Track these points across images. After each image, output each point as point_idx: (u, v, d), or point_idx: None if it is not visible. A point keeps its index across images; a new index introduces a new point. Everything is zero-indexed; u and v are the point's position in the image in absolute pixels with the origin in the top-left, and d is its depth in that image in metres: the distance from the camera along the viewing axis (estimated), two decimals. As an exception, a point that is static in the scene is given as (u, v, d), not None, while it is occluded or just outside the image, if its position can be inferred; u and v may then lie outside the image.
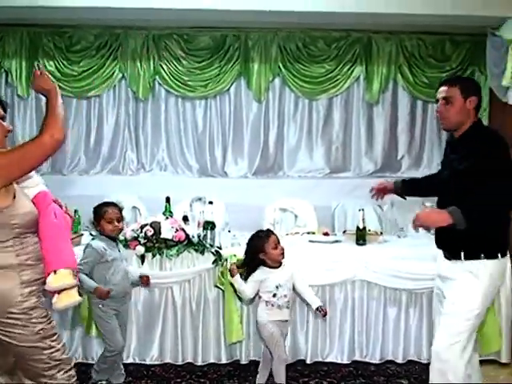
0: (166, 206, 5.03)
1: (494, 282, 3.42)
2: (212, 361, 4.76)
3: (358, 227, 5.11)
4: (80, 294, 2.97)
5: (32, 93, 7.02)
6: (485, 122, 6.97)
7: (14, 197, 2.70)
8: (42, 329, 2.76)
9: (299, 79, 7.11)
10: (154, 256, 4.62)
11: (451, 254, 3.46)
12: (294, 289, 4.21)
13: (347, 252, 4.91)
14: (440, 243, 3.59)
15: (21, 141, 7.04)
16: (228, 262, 4.56)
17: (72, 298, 2.85)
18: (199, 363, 4.74)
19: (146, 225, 4.71)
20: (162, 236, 4.64)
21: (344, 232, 5.46)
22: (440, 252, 3.60)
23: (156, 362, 4.76)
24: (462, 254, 3.38)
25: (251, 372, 4.59)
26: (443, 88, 3.44)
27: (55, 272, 2.75)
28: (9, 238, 2.68)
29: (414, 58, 7.12)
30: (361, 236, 5.08)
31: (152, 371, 4.66)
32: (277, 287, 4.09)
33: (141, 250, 4.57)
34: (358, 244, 5.07)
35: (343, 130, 7.33)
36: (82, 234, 5.01)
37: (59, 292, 2.81)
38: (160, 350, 4.77)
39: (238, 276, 4.16)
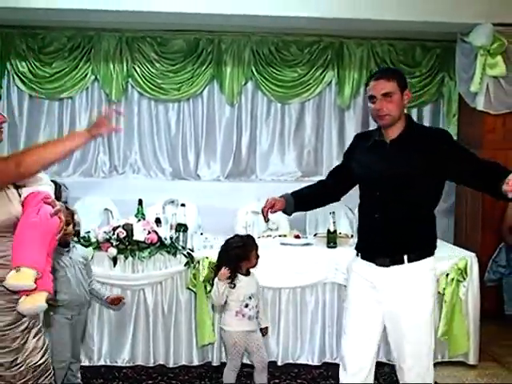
0: (138, 209, 5.03)
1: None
2: (183, 363, 4.79)
3: (328, 230, 5.16)
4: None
5: (3, 94, 6.97)
6: (454, 127, 7.10)
7: None
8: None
9: (272, 83, 7.15)
10: (126, 258, 4.63)
11: (392, 260, 3.20)
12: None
13: (318, 255, 4.96)
14: (377, 249, 3.26)
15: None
16: (201, 264, 4.60)
17: (36, 302, 2.56)
18: (171, 365, 4.76)
19: (118, 227, 4.71)
20: (134, 238, 4.65)
21: (315, 235, 5.51)
22: (362, 261, 3.33)
23: (127, 364, 4.77)
24: (406, 257, 3.18)
25: (222, 374, 4.62)
26: (380, 83, 3.19)
27: (17, 270, 2.50)
28: None
29: (385, 63, 7.18)
30: (331, 239, 5.13)
31: (124, 373, 4.68)
32: (250, 297, 4.11)
33: (113, 251, 4.58)
34: (328, 247, 5.11)
35: (315, 134, 7.38)
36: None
37: (27, 294, 2.57)
38: (131, 352, 4.79)
39: (223, 281, 4.10)
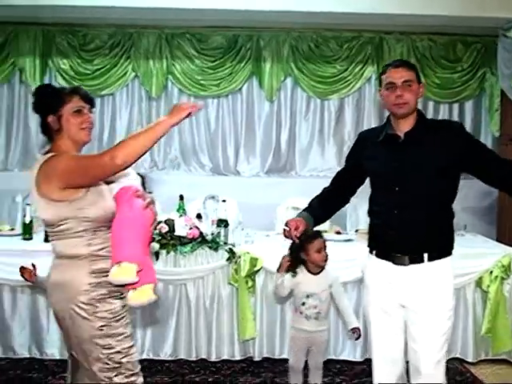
0: (179, 204, 5.06)
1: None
2: (225, 357, 4.80)
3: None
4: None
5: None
6: (496, 122, 7.02)
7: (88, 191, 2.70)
8: (104, 325, 2.68)
9: (311, 79, 7.15)
10: (168, 253, 4.66)
11: (411, 259, 3.12)
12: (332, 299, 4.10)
13: (360, 251, 4.92)
14: (396, 247, 3.16)
15: (34, 140, 7.13)
16: (242, 259, 4.62)
17: (144, 295, 2.66)
18: (213, 359, 4.78)
19: (160, 222, 4.74)
20: (176, 233, 4.68)
21: (356, 231, 5.49)
22: (378, 259, 3.25)
23: (170, 358, 4.80)
24: (426, 256, 3.10)
25: (264, 368, 4.65)
26: (401, 70, 3.11)
27: (119, 264, 2.60)
28: (79, 229, 2.69)
29: (425, 58, 7.14)
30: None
31: (166, 367, 4.71)
32: (307, 296, 3.96)
33: (155, 246, 4.61)
34: (370, 243, 5.08)
35: (355, 130, 7.34)
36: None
37: (134, 288, 2.66)
38: (174, 346, 4.81)
39: (282, 274, 4.00)
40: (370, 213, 3.39)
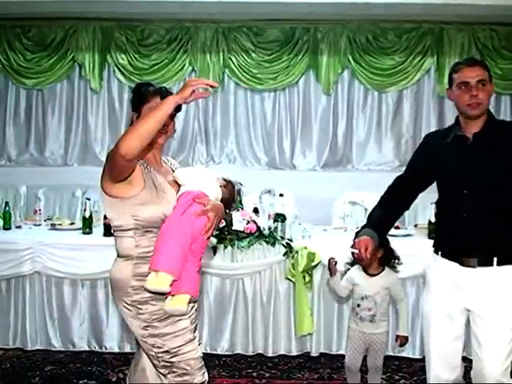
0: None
1: None
2: (282, 352, 4.78)
3: (429, 221, 5.04)
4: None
5: (105, 86, 7.17)
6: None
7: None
8: (148, 326, 2.71)
9: (368, 71, 7.07)
10: (225, 247, 4.66)
11: (480, 261, 3.02)
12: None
13: (419, 246, 4.85)
14: (464, 249, 3.06)
15: (93, 135, 7.23)
16: (299, 254, 4.59)
17: (176, 305, 2.66)
18: (269, 354, 4.76)
19: (217, 216, 4.73)
20: (233, 228, 4.68)
21: (415, 226, 5.40)
22: (444, 260, 3.15)
23: (227, 353, 4.80)
24: (495, 259, 3.00)
25: (321, 364, 4.63)
26: (476, 69, 3.01)
27: (156, 273, 2.57)
28: (130, 227, 2.71)
29: (486, 49, 6.99)
30: (433, 230, 5.00)
31: (223, 361, 4.72)
32: (362, 298, 3.90)
33: (213, 241, 4.61)
34: (429, 238, 4.99)
35: (413, 123, 7.25)
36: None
37: (172, 294, 2.65)
38: (231, 341, 4.81)
39: (337, 276, 4.00)
40: (438, 215, 3.30)
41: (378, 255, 3.81)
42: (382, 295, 3.90)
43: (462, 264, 3.05)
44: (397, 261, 4.00)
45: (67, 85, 7.28)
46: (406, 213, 6.31)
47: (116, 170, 2.62)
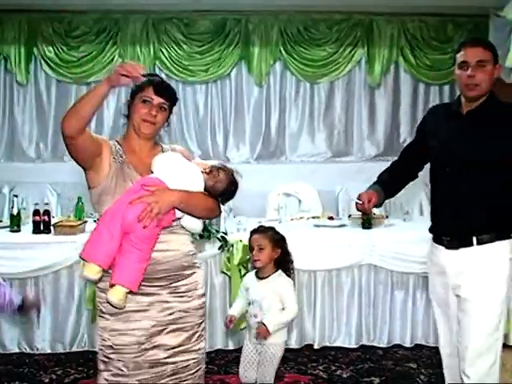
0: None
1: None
2: (219, 347, 4.75)
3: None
4: None
5: (31, 79, 6.96)
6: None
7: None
8: (102, 316, 2.72)
9: (300, 63, 7.06)
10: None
11: (460, 242, 3.02)
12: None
13: (353, 236, 4.89)
14: (446, 230, 3.08)
15: (20, 130, 7.02)
16: (234, 247, 4.55)
17: (113, 296, 2.55)
18: (207, 349, 4.70)
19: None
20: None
21: (349, 216, 5.43)
22: (434, 244, 3.17)
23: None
24: (474, 239, 2.98)
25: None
26: (477, 50, 2.96)
27: (84, 261, 2.57)
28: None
29: (415, 40, 7.07)
30: (366, 220, 5.05)
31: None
32: (249, 303, 3.60)
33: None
34: (363, 228, 5.04)
35: (345, 114, 7.27)
36: (86, 221, 4.98)
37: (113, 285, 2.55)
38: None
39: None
40: (430, 193, 3.29)
41: (274, 256, 3.55)
42: (270, 300, 3.50)
43: (446, 246, 3.07)
44: (291, 264, 3.64)
45: (-8, 78, 7.03)
46: (340, 203, 6.46)
47: (68, 151, 2.62)
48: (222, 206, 2.91)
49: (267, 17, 6.96)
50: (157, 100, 2.73)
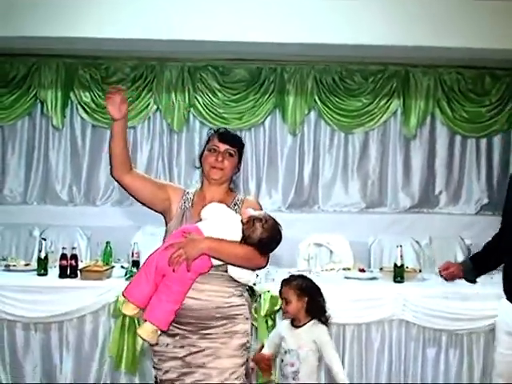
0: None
1: None
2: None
3: (395, 264, 4.96)
4: None
5: (67, 124, 7.03)
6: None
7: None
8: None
9: (335, 112, 7.05)
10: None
11: None
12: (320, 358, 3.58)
13: (385, 289, 4.77)
14: None
15: (54, 173, 7.08)
16: (262, 297, 4.46)
17: (142, 332, 2.72)
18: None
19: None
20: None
21: (381, 269, 5.30)
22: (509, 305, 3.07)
23: None
24: None
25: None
26: None
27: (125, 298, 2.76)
28: None
29: (452, 92, 7.03)
30: (399, 273, 4.92)
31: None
32: (285, 352, 3.57)
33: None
34: (395, 281, 4.91)
35: (379, 165, 7.21)
36: (114, 267, 4.95)
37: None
38: None
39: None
40: (504, 253, 3.16)
41: (301, 306, 3.57)
42: (307, 350, 3.52)
43: None
44: (324, 311, 3.63)
45: (28, 122, 7.11)
46: (372, 255, 6.34)
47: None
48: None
49: (303, 66, 6.99)
50: (222, 147, 2.96)
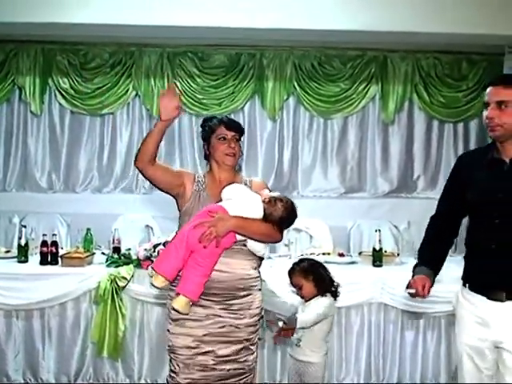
0: (179, 226, 4.94)
1: None
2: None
3: (374, 248, 5.03)
4: None
5: (45, 110, 6.99)
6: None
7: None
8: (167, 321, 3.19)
9: (314, 98, 7.06)
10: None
11: (509, 295, 2.85)
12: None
13: (364, 274, 4.83)
14: (493, 282, 2.89)
15: (33, 159, 7.05)
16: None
17: (177, 304, 2.97)
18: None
19: (158, 244, 4.64)
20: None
21: (360, 253, 5.37)
22: (470, 292, 2.99)
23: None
24: None
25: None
26: (496, 89, 2.86)
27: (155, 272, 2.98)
28: None
29: (430, 77, 7.07)
30: (377, 257, 4.99)
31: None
32: None
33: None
34: (374, 265, 4.98)
35: (358, 150, 7.25)
36: (94, 253, 4.96)
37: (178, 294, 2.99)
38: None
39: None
40: (467, 244, 3.07)
41: (311, 284, 3.89)
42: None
43: (489, 297, 2.89)
44: (330, 284, 3.96)
45: (6, 108, 7.04)
46: (352, 240, 6.40)
47: (151, 184, 3.29)
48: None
49: (281, 52, 6.99)
50: (230, 134, 3.26)
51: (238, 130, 3.33)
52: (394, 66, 7.06)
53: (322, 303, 3.85)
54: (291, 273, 3.97)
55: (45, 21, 5.63)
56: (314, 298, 3.88)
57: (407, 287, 3.07)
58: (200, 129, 3.42)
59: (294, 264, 4.03)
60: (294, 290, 4.00)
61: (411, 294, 3.07)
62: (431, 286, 3.06)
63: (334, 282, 3.97)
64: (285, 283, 4.10)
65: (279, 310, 4.16)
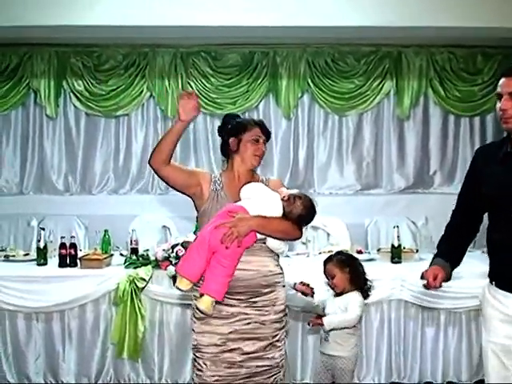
0: (196, 226, 4.95)
1: None
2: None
3: (392, 245, 5.00)
4: None
5: (60, 113, 7.01)
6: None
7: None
8: (192, 319, 3.22)
9: (328, 95, 7.03)
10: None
11: None
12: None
13: (382, 270, 4.80)
14: None
15: (50, 162, 7.08)
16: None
17: (201, 304, 3.01)
18: None
19: (176, 244, 4.65)
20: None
21: (378, 250, 5.34)
22: (497, 290, 2.92)
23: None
24: None
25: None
26: (509, 80, 2.77)
27: (179, 274, 3.03)
28: None
29: (445, 71, 7.02)
30: (396, 254, 4.97)
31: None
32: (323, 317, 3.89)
33: (172, 270, 4.49)
34: (393, 262, 4.96)
35: (374, 146, 7.22)
36: (113, 255, 4.97)
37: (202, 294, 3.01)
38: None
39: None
40: (489, 240, 3.01)
41: (346, 276, 3.87)
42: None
43: None
44: (364, 281, 3.93)
45: (22, 112, 7.09)
46: (370, 236, 6.37)
47: (166, 184, 3.29)
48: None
49: (295, 49, 6.97)
50: (263, 138, 3.33)
51: (270, 135, 3.42)
52: (408, 61, 7.02)
53: (357, 302, 3.83)
54: (327, 262, 3.97)
55: (57, 23, 5.65)
56: (344, 292, 3.86)
57: (421, 278, 3.08)
58: (220, 124, 3.44)
59: (332, 255, 4.06)
60: (326, 280, 3.97)
61: (424, 285, 3.08)
62: (446, 277, 3.03)
63: (368, 280, 3.95)
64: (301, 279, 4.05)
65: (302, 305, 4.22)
